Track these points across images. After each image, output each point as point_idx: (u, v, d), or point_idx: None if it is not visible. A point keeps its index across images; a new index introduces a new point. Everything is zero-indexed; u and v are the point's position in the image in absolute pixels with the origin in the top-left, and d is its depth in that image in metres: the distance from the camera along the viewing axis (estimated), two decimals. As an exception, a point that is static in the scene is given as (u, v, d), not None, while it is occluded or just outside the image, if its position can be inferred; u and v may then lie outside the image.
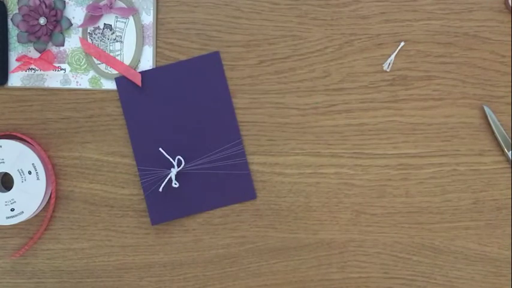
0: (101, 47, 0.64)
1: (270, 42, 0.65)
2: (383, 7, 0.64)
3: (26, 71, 0.65)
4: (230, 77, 0.65)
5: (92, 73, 0.65)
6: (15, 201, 0.63)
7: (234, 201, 0.65)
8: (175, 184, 0.64)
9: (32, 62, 0.64)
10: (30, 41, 0.64)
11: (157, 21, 0.65)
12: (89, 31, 0.64)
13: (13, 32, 0.64)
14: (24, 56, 0.64)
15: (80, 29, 0.64)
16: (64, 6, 0.64)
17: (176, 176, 0.64)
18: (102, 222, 0.66)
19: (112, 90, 0.65)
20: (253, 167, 0.65)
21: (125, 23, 0.64)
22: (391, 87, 0.64)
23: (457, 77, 0.64)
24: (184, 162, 0.64)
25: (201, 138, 0.65)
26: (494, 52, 0.64)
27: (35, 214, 0.64)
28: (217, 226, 0.66)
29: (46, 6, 0.63)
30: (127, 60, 0.64)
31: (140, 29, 0.64)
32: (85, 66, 0.65)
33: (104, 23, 0.64)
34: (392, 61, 0.64)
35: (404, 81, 0.64)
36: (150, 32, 0.64)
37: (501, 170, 0.64)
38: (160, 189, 0.64)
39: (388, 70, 0.64)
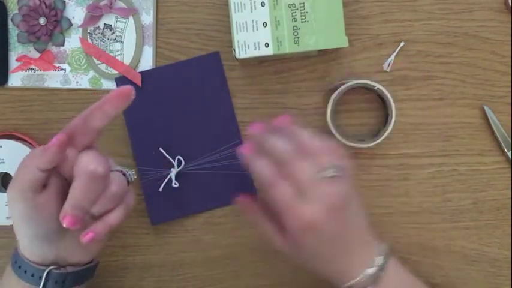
0: (101, 47, 0.64)
1: (270, 42, 0.65)
2: (383, 7, 0.64)
3: (26, 71, 0.65)
4: (230, 77, 0.65)
5: (92, 73, 0.65)
6: (15, 201, 0.63)
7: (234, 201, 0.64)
8: (175, 184, 0.64)
9: (32, 62, 0.64)
10: (30, 41, 0.64)
11: (157, 21, 0.65)
12: (89, 31, 0.64)
13: (13, 32, 0.64)
14: (24, 56, 0.64)
15: (80, 29, 0.64)
16: (64, 6, 0.64)
17: (176, 176, 0.64)
18: (102, 222, 0.66)
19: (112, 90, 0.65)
20: (253, 167, 0.65)
21: (125, 23, 0.64)
22: (391, 87, 0.64)
23: (457, 77, 0.64)
24: (184, 162, 0.64)
25: (201, 138, 0.65)
26: (494, 52, 0.64)
27: (35, 214, 0.64)
28: (218, 226, 0.66)
29: (46, 6, 0.63)
30: (127, 60, 0.64)
31: (140, 29, 0.64)
32: (85, 66, 0.65)
33: (104, 23, 0.64)
34: (392, 61, 0.64)
35: (404, 81, 0.64)
36: (150, 32, 0.64)
37: (501, 170, 0.64)
38: (161, 189, 0.64)
39: (388, 70, 0.64)
